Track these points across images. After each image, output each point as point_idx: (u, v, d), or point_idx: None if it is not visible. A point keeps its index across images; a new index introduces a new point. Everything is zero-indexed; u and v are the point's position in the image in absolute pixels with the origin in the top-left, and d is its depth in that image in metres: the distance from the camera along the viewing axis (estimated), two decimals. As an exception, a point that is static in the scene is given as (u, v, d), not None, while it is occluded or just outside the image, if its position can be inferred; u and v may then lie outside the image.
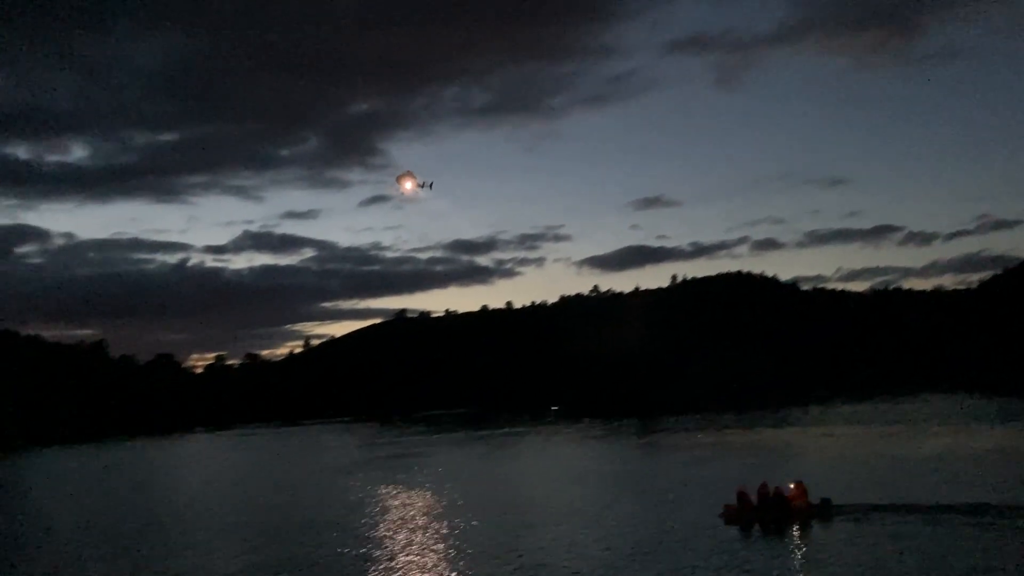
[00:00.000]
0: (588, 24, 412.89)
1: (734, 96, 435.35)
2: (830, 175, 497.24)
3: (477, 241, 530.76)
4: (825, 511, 34.25)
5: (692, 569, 26.14)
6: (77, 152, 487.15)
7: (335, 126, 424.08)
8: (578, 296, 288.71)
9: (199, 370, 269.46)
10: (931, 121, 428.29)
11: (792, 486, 35.40)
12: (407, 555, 30.80)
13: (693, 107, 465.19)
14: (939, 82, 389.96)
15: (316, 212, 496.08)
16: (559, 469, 58.74)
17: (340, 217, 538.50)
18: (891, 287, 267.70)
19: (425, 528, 36.42)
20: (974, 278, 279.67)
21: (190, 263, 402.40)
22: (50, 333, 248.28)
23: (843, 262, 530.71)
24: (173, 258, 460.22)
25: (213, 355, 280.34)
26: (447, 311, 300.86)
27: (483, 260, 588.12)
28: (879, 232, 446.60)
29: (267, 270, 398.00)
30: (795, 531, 32.49)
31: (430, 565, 29.09)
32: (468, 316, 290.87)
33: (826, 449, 58.59)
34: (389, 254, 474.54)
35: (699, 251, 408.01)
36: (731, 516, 34.48)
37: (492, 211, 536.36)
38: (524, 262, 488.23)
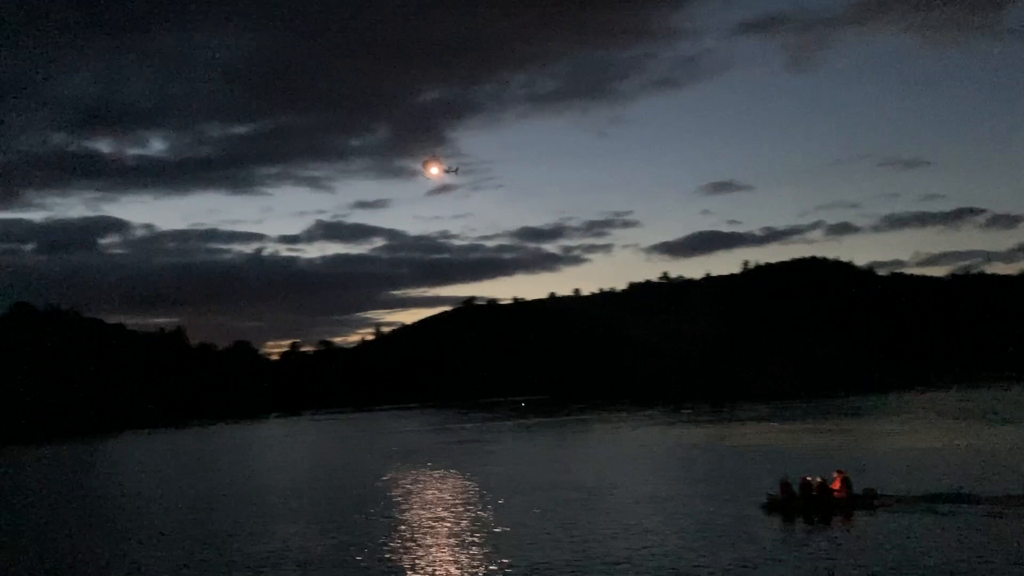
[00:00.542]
0: (657, 6, 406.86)
1: (807, 77, 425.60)
2: (908, 156, 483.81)
3: (544, 228, 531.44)
4: (869, 501, 33.66)
5: (731, 560, 25.97)
6: (156, 145, 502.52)
7: (403, 115, 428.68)
8: (647, 283, 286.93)
9: (275, 357, 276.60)
10: (1015, 98, 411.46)
11: (835, 475, 34.96)
12: (461, 540, 31.33)
13: (765, 89, 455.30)
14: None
15: (386, 201, 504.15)
16: (617, 457, 58.73)
17: (409, 206, 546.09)
18: (973, 272, 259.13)
19: (483, 512, 36.94)
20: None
21: (265, 253, 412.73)
22: (132, 321, 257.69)
23: (922, 246, 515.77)
24: (249, 248, 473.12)
25: (288, 342, 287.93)
26: (515, 298, 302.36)
27: (550, 247, 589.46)
28: (960, 215, 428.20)
29: (339, 259, 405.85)
30: (838, 521, 31.97)
31: (476, 550, 29.55)
32: (535, 303, 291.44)
33: (892, 439, 57.19)
34: (457, 242, 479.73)
35: (771, 236, 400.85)
36: (774, 506, 34.18)
37: (560, 198, 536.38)
38: (592, 249, 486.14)
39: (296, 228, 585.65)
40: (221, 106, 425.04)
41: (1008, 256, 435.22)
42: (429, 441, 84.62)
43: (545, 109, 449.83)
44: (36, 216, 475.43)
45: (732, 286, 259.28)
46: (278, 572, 28.24)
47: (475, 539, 31.35)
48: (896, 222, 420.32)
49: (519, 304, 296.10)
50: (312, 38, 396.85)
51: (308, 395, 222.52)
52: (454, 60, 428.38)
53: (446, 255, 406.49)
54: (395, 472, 55.45)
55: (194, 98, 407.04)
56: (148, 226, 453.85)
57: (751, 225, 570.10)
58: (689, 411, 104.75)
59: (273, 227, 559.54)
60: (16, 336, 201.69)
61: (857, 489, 34.23)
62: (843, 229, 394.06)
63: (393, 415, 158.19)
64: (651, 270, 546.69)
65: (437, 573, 27.00)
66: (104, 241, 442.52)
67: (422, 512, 38.30)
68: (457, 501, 40.84)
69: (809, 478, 34.81)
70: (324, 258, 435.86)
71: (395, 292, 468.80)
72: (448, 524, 34.61)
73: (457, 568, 27.37)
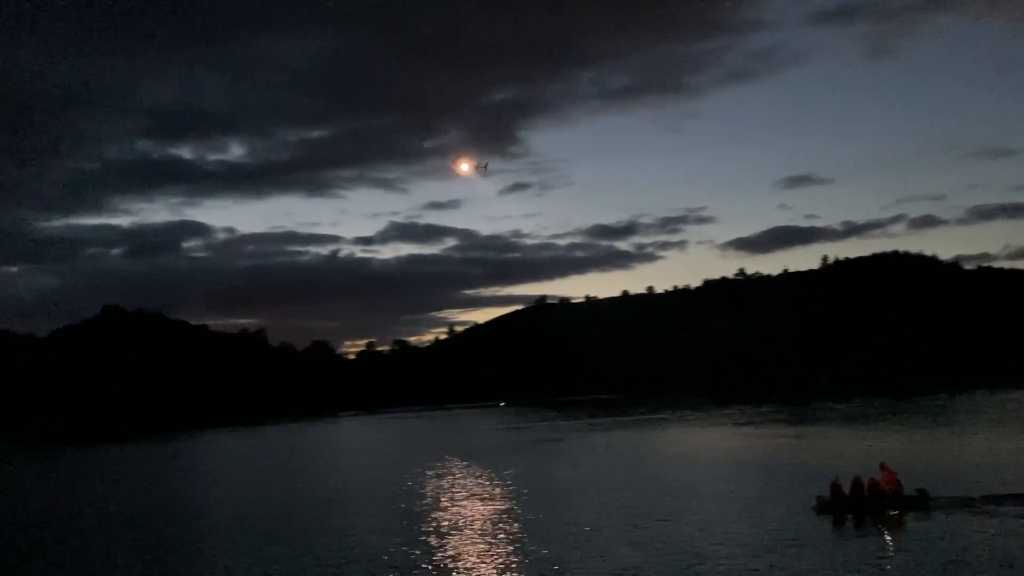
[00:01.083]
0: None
1: (886, 66, 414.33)
2: (995, 146, 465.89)
3: (617, 226, 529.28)
4: (922, 502, 32.37)
5: (774, 564, 25.27)
6: (235, 151, 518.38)
7: (475, 116, 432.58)
8: (723, 280, 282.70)
9: (352, 356, 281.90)
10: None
11: (883, 475, 33.83)
12: (524, 539, 31.35)
13: (843, 80, 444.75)
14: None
15: (458, 202, 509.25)
16: (686, 456, 57.82)
17: (480, 206, 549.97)
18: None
19: (548, 511, 36.89)
20: None
21: (341, 254, 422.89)
22: (216, 322, 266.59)
23: (1011, 239, 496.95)
24: (325, 249, 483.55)
25: (364, 342, 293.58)
26: (587, 297, 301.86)
27: (623, 245, 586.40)
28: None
29: (412, 259, 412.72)
30: (889, 523, 30.84)
31: (540, 548, 29.50)
32: (608, 302, 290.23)
33: (965, 439, 54.80)
34: (529, 241, 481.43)
35: (851, 230, 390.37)
36: (824, 508, 33.20)
37: (632, 194, 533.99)
38: (666, 246, 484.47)
39: (370, 229, 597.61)
40: (297, 111, 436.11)
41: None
42: (503, 439, 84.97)
43: (616, 105, 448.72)
44: (123, 221, 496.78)
45: (810, 282, 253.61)
46: (353, 570, 28.71)
47: (538, 538, 31.33)
48: (983, 214, 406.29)
49: (592, 302, 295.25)
50: (384, 42, 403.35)
51: (384, 393, 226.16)
52: (524, 59, 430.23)
53: (518, 254, 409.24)
54: (470, 470, 55.83)
55: (271, 104, 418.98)
56: (229, 229, 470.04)
57: (830, 219, 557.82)
58: (766, 410, 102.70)
59: (348, 229, 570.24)
60: (106, 337, 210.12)
61: (909, 490, 33.11)
62: (927, 222, 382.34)
63: (467, 413, 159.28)
64: (727, 267, 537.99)
65: (493, 571, 27.08)
66: (187, 244, 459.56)
67: (492, 509, 38.48)
68: (527, 500, 40.89)
69: (860, 478, 33.79)
70: (398, 259, 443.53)
71: (467, 291, 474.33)
72: (515, 523, 34.68)
73: (513, 566, 27.41)
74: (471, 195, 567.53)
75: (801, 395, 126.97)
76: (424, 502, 41.99)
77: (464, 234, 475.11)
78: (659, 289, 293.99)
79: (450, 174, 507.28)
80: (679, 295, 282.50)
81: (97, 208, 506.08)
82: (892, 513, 32.01)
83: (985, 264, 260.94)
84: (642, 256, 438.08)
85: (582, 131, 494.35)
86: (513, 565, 27.32)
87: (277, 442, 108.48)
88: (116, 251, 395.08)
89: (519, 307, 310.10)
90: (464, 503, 40.86)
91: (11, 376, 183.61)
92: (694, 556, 26.72)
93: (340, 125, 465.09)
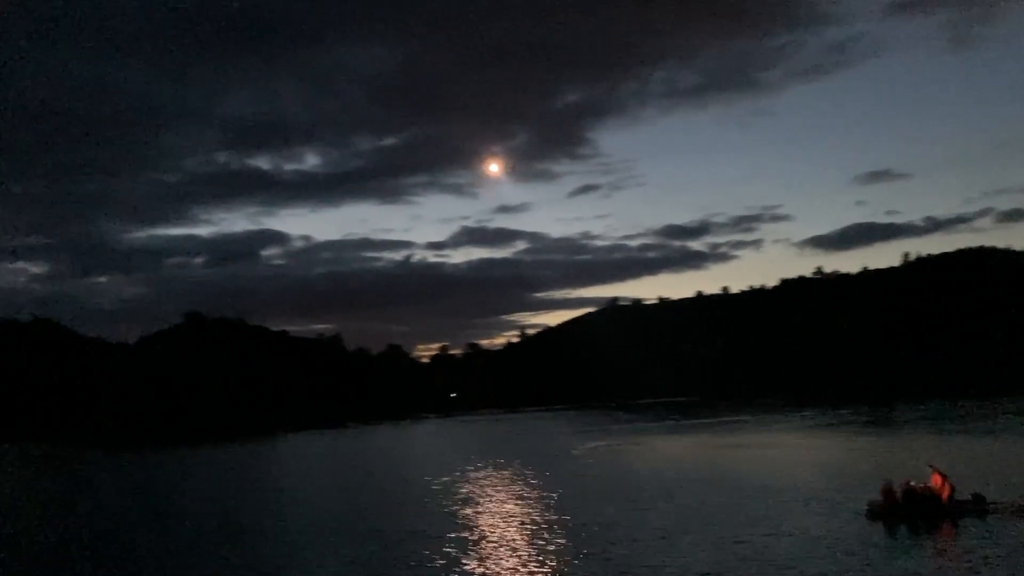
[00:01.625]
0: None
1: (969, 55, 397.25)
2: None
3: (689, 225, 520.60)
4: (979, 508, 30.95)
5: (825, 572, 24.50)
6: (311, 160, 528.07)
7: (543, 119, 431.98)
8: (800, 279, 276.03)
9: (425, 360, 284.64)
10: None
11: (935, 479, 32.49)
12: (599, 539, 31.22)
13: (923, 71, 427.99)
14: None
15: (527, 205, 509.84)
16: (757, 459, 56.70)
17: (550, 208, 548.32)
18: None
19: (622, 512, 36.66)
20: None
21: (413, 259, 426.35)
22: (294, 328, 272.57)
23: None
24: (398, 255, 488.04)
25: (437, 345, 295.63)
26: (660, 298, 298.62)
27: (696, 245, 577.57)
28: None
29: (483, 263, 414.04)
30: (944, 529, 29.57)
31: (602, 547, 29.31)
32: (682, 303, 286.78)
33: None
34: (599, 243, 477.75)
35: (934, 226, 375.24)
36: (875, 513, 32.06)
37: (704, 194, 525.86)
38: (740, 245, 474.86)
39: (442, 234, 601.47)
40: (370, 120, 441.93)
41: None
42: (578, 442, 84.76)
43: (687, 104, 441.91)
44: (204, 231, 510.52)
45: (891, 280, 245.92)
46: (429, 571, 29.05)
47: (613, 539, 31.19)
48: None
49: (665, 304, 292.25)
50: (455, 49, 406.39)
51: (458, 397, 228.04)
52: (592, 60, 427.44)
53: (588, 256, 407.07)
54: (549, 473, 55.89)
55: (344, 113, 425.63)
56: (306, 237, 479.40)
57: (911, 215, 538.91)
58: (845, 412, 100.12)
59: (421, 234, 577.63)
60: (189, 344, 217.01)
61: (965, 494, 31.83)
62: (1015, 216, 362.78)
63: (540, 416, 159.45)
64: (804, 265, 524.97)
65: (570, 571, 27.06)
66: (266, 253, 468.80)
67: (568, 512, 38.45)
68: (605, 503, 40.75)
69: (913, 483, 32.58)
70: (469, 263, 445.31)
71: (538, 294, 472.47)
72: (595, 526, 34.60)
73: (580, 567, 27.35)
74: (541, 198, 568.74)
75: (883, 397, 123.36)
76: (505, 504, 42.20)
77: (534, 237, 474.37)
78: (734, 289, 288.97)
79: (520, 177, 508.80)
80: (755, 295, 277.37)
81: (179, 219, 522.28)
82: (946, 519, 30.98)
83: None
84: (716, 256, 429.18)
85: (652, 131, 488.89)
86: (592, 565, 27.29)
87: (357, 445, 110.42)
88: (198, 260, 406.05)
89: (591, 309, 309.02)
90: (543, 505, 40.93)
91: (103, 382, 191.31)
92: (738, 562, 26.29)
93: (412, 132, 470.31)
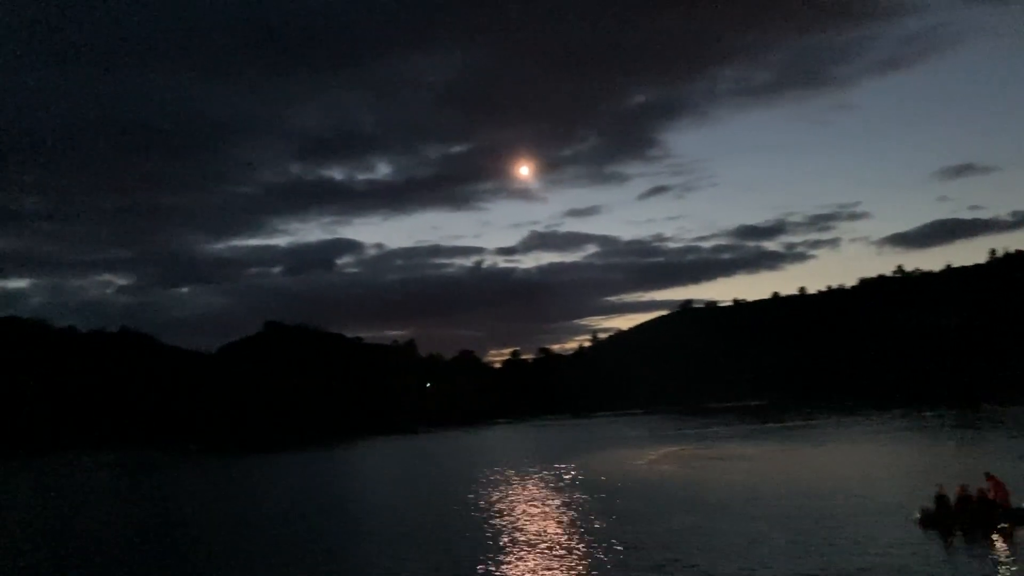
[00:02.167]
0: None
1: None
2: None
3: (764, 225, 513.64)
4: None
5: None
6: (382, 169, 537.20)
7: (612, 121, 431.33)
8: (880, 278, 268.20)
9: (497, 365, 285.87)
10: None
11: (991, 485, 30.86)
12: (675, 543, 30.78)
13: (1006, 61, 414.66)
14: None
15: (597, 208, 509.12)
16: (834, 464, 55.08)
17: (621, 211, 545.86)
18: None
19: (700, 518, 36.08)
20: None
21: (484, 265, 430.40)
22: (368, 334, 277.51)
23: None
24: (469, 261, 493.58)
25: (509, 350, 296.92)
26: (735, 300, 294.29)
27: (771, 245, 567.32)
28: None
29: (553, 267, 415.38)
30: (1002, 537, 28.03)
31: (681, 552, 28.83)
32: (758, 304, 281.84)
33: None
34: (672, 245, 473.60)
35: (1022, 220, 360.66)
36: (928, 520, 30.65)
37: (779, 192, 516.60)
38: (817, 244, 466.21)
39: (512, 240, 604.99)
40: (439, 127, 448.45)
41: None
42: (652, 448, 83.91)
43: (759, 102, 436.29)
44: (281, 241, 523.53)
45: (977, 277, 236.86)
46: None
47: (691, 545, 30.77)
48: None
49: (740, 305, 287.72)
50: (520, 53, 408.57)
51: (531, 401, 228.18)
52: (661, 61, 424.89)
53: (660, 258, 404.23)
54: (623, 479, 55.52)
55: (414, 121, 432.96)
56: (378, 245, 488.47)
57: (997, 210, 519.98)
58: (930, 414, 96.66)
59: (490, 240, 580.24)
60: (269, 351, 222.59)
61: (1021, 501, 30.32)
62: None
63: (612, 421, 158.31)
64: (884, 264, 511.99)
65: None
66: (340, 261, 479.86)
67: (648, 518, 38.10)
68: (685, 510, 40.25)
69: (968, 488, 31.14)
70: (539, 267, 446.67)
71: (610, 298, 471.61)
72: (673, 533, 34.21)
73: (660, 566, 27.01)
74: (611, 200, 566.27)
75: (968, 399, 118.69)
76: (580, 511, 42.06)
77: (605, 240, 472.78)
78: (811, 290, 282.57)
79: (590, 180, 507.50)
80: (833, 295, 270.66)
81: (257, 230, 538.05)
82: (1003, 526, 29.55)
83: None
84: (792, 256, 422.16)
85: (724, 130, 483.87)
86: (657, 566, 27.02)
87: (429, 449, 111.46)
88: (275, 270, 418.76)
89: (663, 312, 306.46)
90: (620, 512, 40.68)
91: (187, 390, 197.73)
92: (781, 559, 25.61)
93: (480, 138, 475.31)
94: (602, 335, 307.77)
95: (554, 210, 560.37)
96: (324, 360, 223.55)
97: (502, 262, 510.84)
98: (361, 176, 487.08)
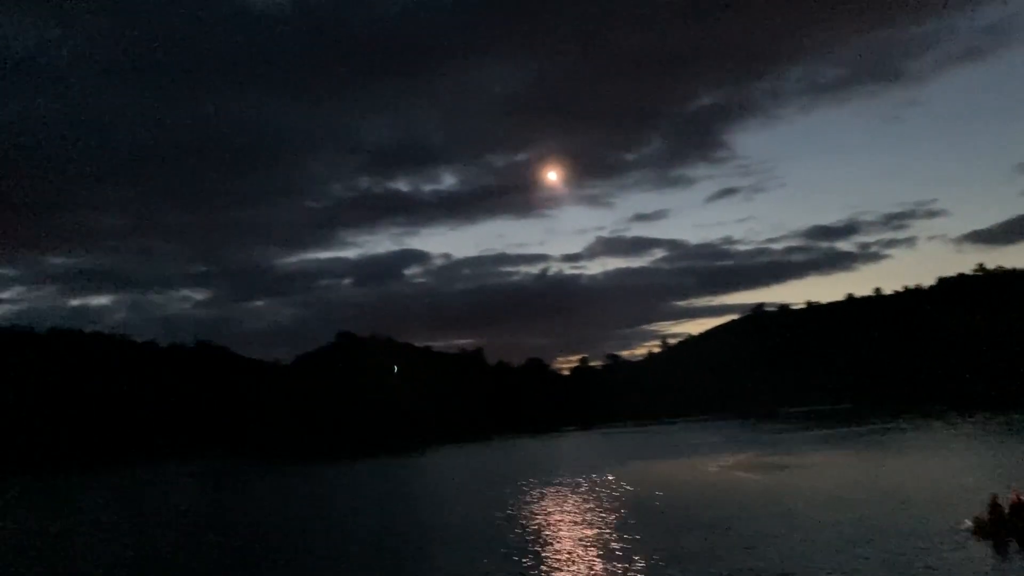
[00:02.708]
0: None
1: None
2: None
3: (836, 225, 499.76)
4: None
5: None
6: (448, 180, 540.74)
7: (677, 124, 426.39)
8: (960, 277, 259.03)
9: (565, 372, 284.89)
10: None
11: None
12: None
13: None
14: None
15: (664, 212, 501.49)
16: (899, 468, 53.76)
17: (688, 214, 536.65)
18: None
19: (771, 523, 35.76)
20: None
21: (550, 272, 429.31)
22: (437, 343, 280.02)
23: None
24: (535, 268, 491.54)
25: (577, 357, 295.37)
26: (808, 302, 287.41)
27: (844, 245, 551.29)
28: None
29: (620, 273, 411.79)
30: None
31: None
32: (831, 306, 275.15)
33: None
34: (741, 247, 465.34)
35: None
36: (980, 529, 29.54)
37: (851, 191, 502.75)
38: (892, 243, 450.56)
39: (577, 246, 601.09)
40: (503, 136, 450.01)
41: None
42: (726, 454, 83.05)
43: (828, 99, 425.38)
44: (351, 253, 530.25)
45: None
46: None
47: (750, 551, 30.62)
48: None
49: (813, 308, 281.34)
50: (583, 59, 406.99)
51: (599, 409, 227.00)
52: (726, 62, 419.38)
53: (730, 262, 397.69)
54: (698, 486, 55.29)
55: (479, 131, 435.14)
56: (446, 255, 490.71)
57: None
58: (1017, 416, 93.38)
59: (556, 247, 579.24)
60: (342, 362, 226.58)
61: None
62: None
63: (684, 427, 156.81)
64: (963, 262, 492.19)
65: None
66: (409, 272, 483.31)
67: (725, 525, 38.04)
68: (751, 516, 40.02)
69: (1021, 495, 30.00)
70: (606, 273, 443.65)
71: (679, 303, 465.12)
72: (752, 537, 34.09)
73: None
74: (678, 204, 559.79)
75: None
76: (659, 517, 42.14)
77: (672, 244, 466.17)
78: (887, 290, 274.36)
79: (656, 184, 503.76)
80: (910, 295, 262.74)
81: (328, 242, 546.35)
82: None
83: None
84: (866, 256, 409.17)
85: (792, 129, 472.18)
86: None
87: (503, 457, 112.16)
88: (346, 281, 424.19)
89: (734, 316, 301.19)
90: (699, 520, 40.67)
91: (264, 400, 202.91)
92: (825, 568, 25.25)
93: (545, 146, 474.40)
94: (672, 340, 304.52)
95: (620, 215, 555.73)
96: (396, 369, 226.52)
97: (568, 269, 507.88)
98: (427, 187, 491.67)
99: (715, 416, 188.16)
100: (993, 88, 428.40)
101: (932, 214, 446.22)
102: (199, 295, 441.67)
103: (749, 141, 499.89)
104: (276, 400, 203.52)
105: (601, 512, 46.29)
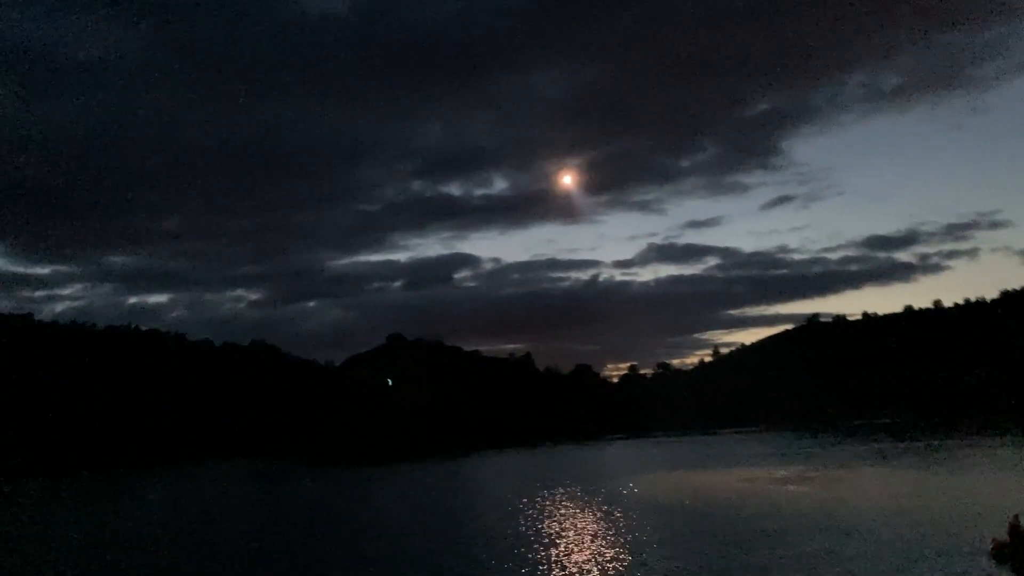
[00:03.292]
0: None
1: None
2: None
3: (895, 235, 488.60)
4: None
5: None
6: (498, 184, 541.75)
7: (733, 130, 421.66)
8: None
9: (615, 379, 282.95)
10: None
11: None
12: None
13: None
14: None
15: (718, 219, 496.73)
16: (953, 486, 51.89)
17: (742, 222, 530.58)
18: None
19: (818, 539, 34.79)
20: None
21: (600, 278, 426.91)
22: (486, 348, 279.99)
23: None
24: (585, 274, 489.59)
25: (626, 365, 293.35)
26: (864, 313, 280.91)
27: (903, 256, 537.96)
28: None
29: (672, 280, 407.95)
30: None
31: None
32: (889, 318, 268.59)
33: None
34: (796, 256, 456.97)
35: None
36: (1000, 553, 28.27)
37: (911, 201, 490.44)
38: (953, 255, 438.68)
39: (629, 252, 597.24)
40: (554, 141, 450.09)
41: None
42: (777, 465, 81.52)
43: (888, 106, 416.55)
44: (401, 257, 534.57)
45: None
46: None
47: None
48: None
49: (870, 319, 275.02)
50: (638, 64, 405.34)
51: (648, 418, 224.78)
52: (784, 67, 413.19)
53: (784, 270, 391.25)
54: (750, 500, 54.29)
55: (530, 136, 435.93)
56: (495, 260, 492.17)
57: None
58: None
59: (607, 253, 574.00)
60: (392, 364, 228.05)
61: None
62: None
63: (736, 438, 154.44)
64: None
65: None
66: (458, 276, 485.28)
67: (773, 539, 37.18)
68: (804, 530, 39.06)
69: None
70: (657, 280, 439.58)
71: (732, 311, 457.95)
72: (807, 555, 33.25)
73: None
74: (732, 211, 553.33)
75: None
76: (714, 531, 41.46)
77: (726, 252, 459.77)
78: (947, 302, 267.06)
79: (710, 191, 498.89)
80: (972, 308, 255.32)
81: (379, 246, 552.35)
82: None
83: None
84: (925, 267, 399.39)
85: (850, 137, 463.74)
86: None
87: (549, 464, 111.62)
88: (397, 284, 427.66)
89: (788, 326, 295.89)
90: (752, 534, 39.90)
91: (315, 401, 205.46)
92: None
93: (596, 151, 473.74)
94: (724, 349, 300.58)
95: (672, 222, 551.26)
96: (445, 373, 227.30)
97: (619, 275, 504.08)
98: (478, 191, 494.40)
99: (768, 427, 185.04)
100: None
101: (995, 225, 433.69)
102: (253, 295, 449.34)
103: (806, 148, 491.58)
104: (326, 401, 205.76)
105: (648, 527, 45.62)
